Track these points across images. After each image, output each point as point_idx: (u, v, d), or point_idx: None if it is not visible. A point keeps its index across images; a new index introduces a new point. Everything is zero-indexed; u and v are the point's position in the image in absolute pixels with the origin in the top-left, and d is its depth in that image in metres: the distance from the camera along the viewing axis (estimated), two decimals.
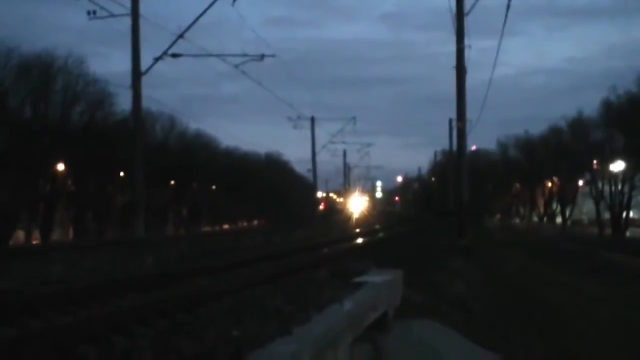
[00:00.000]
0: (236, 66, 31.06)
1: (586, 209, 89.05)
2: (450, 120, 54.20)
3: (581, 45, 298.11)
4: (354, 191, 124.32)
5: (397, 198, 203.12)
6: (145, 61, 28.70)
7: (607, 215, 72.95)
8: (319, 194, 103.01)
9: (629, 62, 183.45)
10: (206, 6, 28.41)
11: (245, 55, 30.90)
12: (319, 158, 68.14)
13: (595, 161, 71.91)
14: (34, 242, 42.25)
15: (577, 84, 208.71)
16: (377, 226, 49.00)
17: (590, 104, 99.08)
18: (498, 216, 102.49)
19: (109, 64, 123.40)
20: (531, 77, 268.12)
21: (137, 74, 28.31)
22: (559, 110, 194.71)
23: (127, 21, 28.37)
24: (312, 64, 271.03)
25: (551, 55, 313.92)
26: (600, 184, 72.69)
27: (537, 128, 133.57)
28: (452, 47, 28.54)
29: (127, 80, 28.93)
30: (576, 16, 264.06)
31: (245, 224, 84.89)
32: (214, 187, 72.88)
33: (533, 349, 12.64)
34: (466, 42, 28.47)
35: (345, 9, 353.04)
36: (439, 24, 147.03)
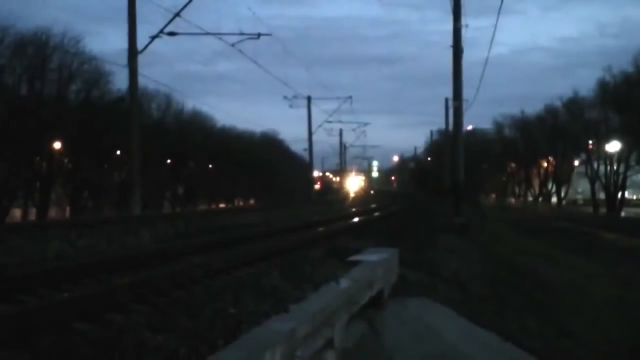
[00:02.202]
0: (233, 45, 31.00)
1: (581, 188, 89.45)
2: (447, 100, 54.14)
3: (574, 25, 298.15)
4: (351, 170, 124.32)
5: (393, 177, 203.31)
6: (140, 39, 28.60)
7: (602, 195, 73.19)
8: (315, 173, 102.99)
9: (621, 41, 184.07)
10: None
11: (241, 34, 30.84)
12: (315, 137, 68.03)
13: (590, 141, 72.06)
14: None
15: (571, 62, 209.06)
16: (374, 205, 49.03)
17: (583, 83, 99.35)
18: (493, 195, 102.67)
19: (104, 41, 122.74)
20: (525, 56, 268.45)
21: (133, 52, 28.20)
22: (553, 88, 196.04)
23: None
24: (306, 42, 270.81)
25: (545, 35, 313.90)
26: (595, 164, 72.89)
27: (531, 106, 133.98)
28: (447, 26, 28.49)
29: (122, 58, 28.88)
30: None
31: (241, 202, 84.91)
32: (210, 165, 72.85)
33: (528, 325, 12.72)
34: (462, 21, 28.40)
35: None
36: (433, 3, 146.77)
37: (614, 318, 16.51)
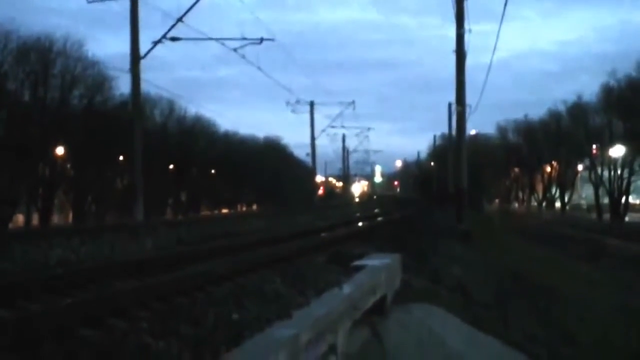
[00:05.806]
0: (235, 50, 30.97)
1: (585, 194, 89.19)
2: (450, 105, 54.17)
3: (574, 29, 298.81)
4: (353, 175, 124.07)
5: (396, 183, 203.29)
6: (142, 44, 28.53)
7: (606, 200, 73.01)
8: (319, 179, 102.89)
9: (621, 46, 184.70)
10: None
11: (244, 39, 30.79)
12: (318, 142, 67.99)
13: (594, 146, 71.93)
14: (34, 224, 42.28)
15: (571, 67, 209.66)
16: (377, 210, 49.00)
17: (584, 87, 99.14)
18: (497, 201, 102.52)
19: (105, 46, 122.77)
20: (525, 61, 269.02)
21: (136, 57, 28.16)
22: (554, 93, 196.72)
23: (125, 3, 28.18)
24: (306, 47, 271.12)
25: (544, 39, 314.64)
26: (599, 169, 72.74)
27: (532, 111, 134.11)
28: (446, 31, 28.74)
29: (124, 63, 28.75)
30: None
31: (244, 208, 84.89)
32: (213, 171, 72.81)
33: (532, 332, 12.68)
34: (465, 26, 28.41)
35: None
36: (431, 9, 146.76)
37: (618, 325, 16.44)
